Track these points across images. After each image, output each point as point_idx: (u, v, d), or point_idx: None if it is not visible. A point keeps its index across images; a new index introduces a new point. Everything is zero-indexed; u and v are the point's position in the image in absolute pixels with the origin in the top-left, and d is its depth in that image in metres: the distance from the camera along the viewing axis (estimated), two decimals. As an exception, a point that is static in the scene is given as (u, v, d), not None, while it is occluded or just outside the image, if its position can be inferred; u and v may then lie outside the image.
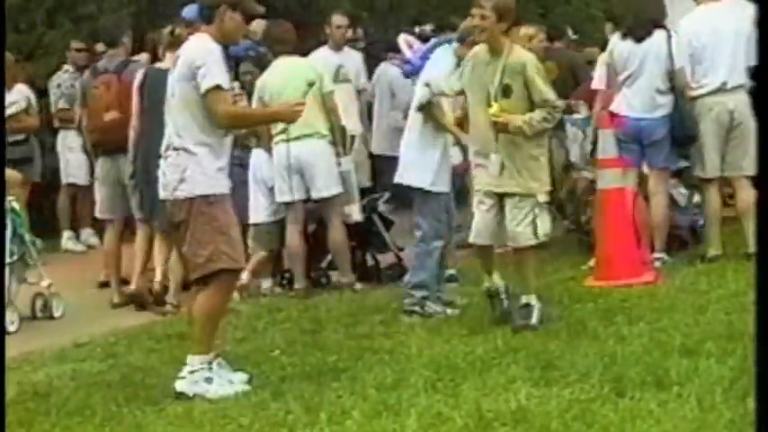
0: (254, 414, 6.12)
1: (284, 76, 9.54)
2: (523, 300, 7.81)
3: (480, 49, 7.87)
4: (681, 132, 9.56)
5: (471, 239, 8.04)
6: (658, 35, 9.56)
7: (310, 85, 8.86)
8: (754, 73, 8.86)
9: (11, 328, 8.99)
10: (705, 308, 7.74)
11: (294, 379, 6.82)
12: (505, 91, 7.71)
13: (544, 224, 7.78)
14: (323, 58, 11.72)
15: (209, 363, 6.65)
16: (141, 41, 10.77)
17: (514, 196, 7.76)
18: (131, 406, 6.51)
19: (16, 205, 9.49)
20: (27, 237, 9.49)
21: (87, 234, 12.92)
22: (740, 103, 9.51)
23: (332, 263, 10.04)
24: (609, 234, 9.04)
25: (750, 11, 9.17)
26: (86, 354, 8.12)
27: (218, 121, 6.62)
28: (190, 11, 9.96)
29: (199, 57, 6.62)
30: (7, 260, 9.12)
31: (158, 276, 9.68)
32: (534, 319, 7.67)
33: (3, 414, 5.66)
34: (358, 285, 9.69)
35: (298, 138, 9.47)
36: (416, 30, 11.63)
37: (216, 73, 6.58)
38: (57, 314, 9.57)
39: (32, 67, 13.33)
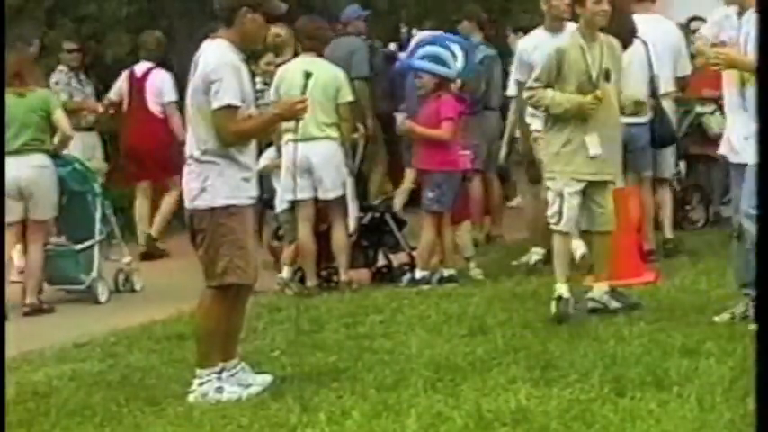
0: (254, 414, 6.11)
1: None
2: None
3: None
4: (661, 136, 9.92)
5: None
6: (638, 43, 9.58)
7: (307, 77, 8.79)
8: (757, 73, 8.92)
9: (102, 299, 10.00)
10: (705, 308, 7.74)
11: (294, 379, 6.81)
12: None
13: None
14: (536, 39, 9.75)
15: (219, 372, 6.57)
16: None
17: None
18: (131, 406, 6.49)
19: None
20: (113, 219, 10.38)
21: None
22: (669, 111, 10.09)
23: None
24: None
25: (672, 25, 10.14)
26: (86, 354, 8.10)
27: (224, 140, 6.46)
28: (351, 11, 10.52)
29: (214, 71, 6.42)
30: (97, 238, 10.08)
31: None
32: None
33: (3, 414, 5.64)
34: (354, 285, 9.69)
35: (308, 139, 9.46)
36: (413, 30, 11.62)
37: (229, 90, 6.40)
38: (137, 288, 10.38)
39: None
